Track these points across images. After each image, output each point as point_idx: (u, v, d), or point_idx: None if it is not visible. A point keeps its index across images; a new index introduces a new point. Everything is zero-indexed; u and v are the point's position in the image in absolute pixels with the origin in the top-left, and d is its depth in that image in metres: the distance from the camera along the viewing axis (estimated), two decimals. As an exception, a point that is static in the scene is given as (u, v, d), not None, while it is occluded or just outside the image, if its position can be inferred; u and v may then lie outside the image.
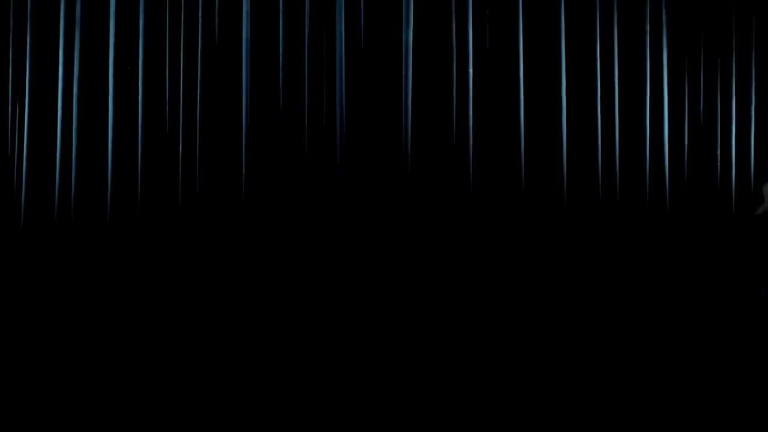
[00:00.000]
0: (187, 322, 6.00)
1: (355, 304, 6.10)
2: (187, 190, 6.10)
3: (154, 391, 5.65)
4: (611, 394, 5.79)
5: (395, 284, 6.12)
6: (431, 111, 6.24)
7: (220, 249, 6.09)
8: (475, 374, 6.02)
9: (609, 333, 6.25)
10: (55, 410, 5.23)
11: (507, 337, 6.18)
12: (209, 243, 6.08)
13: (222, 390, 5.71)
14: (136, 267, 6.03)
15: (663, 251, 6.30)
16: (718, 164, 6.46)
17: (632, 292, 6.28)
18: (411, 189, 6.15)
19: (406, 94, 6.23)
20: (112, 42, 6.08)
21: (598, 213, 6.30)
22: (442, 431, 5.00)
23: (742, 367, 5.68)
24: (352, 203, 6.14)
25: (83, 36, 6.08)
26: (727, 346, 6.34)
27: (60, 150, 6.07)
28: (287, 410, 5.35)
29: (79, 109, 6.08)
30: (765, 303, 5.22)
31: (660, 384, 6.03)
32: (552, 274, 6.20)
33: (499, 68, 6.29)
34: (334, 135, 6.17)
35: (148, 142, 6.09)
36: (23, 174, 6.06)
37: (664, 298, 6.29)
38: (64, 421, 5.04)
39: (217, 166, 6.13)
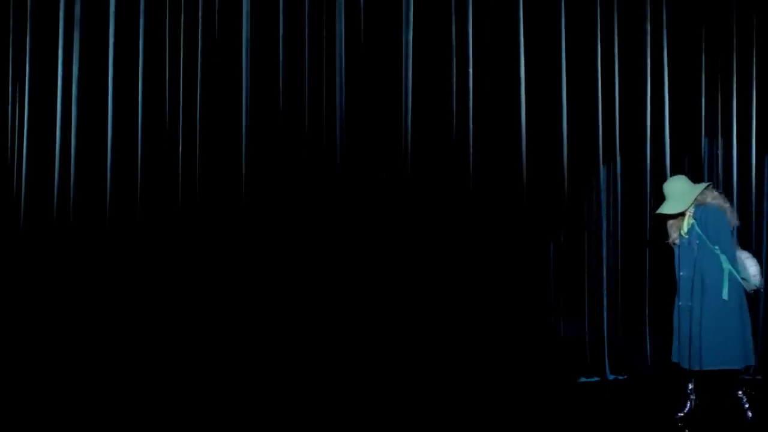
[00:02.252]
0: (186, 321, 5.98)
1: (355, 302, 6.09)
2: (187, 190, 6.09)
3: (153, 389, 5.65)
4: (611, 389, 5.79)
5: (395, 282, 6.10)
6: (431, 111, 6.24)
7: (219, 249, 6.08)
8: (474, 370, 6.02)
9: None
10: (54, 408, 5.23)
11: (506, 334, 6.18)
12: (209, 243, 6.07)
13: (221, 387, 5.71)
14: (135, 267, 6.01)
15: (662, 250, 6.29)
16: (720, 164, 6.45)
17: (632, 290, 6.28)
18: (411, 188, 6.14)
19: (406, 94, 6.22)
20: (112, 42, 6.07)
21: (598, 213, 6.29)
22: (440, 427, 5.00)
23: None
24: (352, 202, 6.13)
25: (83, 36, 6.08)
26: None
27: (60, 150, 6.06)
28: (286, 407, 5.34)
29: (78, 109, 6.07)
30: None
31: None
32: (552, 273, 6.20)
33: (500, 68, 6.30)
34: (334, 135, 6.17)
35: (147, 142, 6.08)
36: (23, 174, 6.05)
37: (664, 297, 6.28)
38: (64, 419, 5.03)
39: (217, 166, 6.12)
